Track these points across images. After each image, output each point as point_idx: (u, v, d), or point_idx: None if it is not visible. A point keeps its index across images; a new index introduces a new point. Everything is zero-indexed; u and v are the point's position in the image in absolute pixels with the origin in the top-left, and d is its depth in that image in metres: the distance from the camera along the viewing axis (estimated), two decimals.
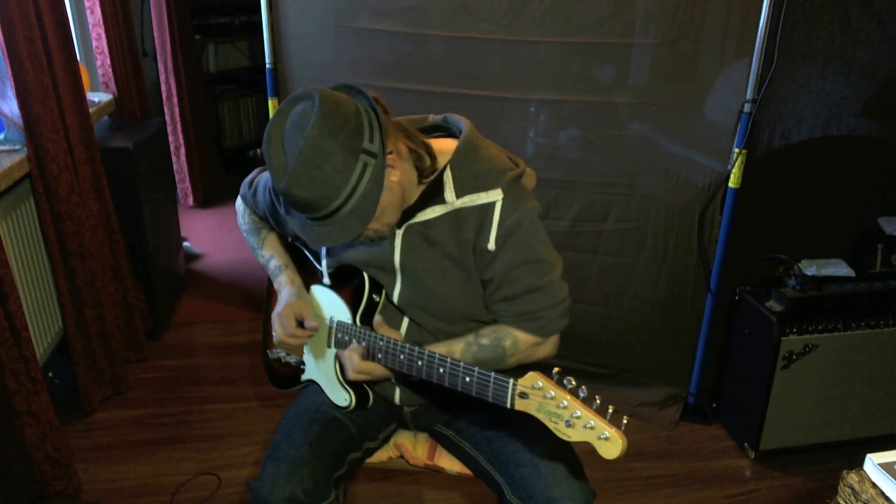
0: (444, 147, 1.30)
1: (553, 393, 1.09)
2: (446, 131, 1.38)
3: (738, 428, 2.36)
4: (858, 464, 1.37)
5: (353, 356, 1.32)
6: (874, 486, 1.32)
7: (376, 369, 1.33)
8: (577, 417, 1.07)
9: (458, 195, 1.27)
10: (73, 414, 2.36)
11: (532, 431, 1.36)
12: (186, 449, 2.26)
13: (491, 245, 1.27)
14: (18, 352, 1.82)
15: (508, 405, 1.14)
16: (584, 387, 1.08)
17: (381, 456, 1.54)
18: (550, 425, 1.10)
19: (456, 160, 1.27)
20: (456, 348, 1.33)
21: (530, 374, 1.12)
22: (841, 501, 1.38)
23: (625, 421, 1.06)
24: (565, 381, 1.09)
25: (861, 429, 2.27)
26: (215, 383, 2.61)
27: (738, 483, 2.20)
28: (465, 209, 1.27)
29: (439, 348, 1.32)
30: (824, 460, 2.26)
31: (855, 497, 1.34)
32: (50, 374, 2.31)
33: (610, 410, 1.07)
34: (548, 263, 1.31)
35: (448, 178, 1.27)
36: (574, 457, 1.34)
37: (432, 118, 1.41)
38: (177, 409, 2.45)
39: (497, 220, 1.26)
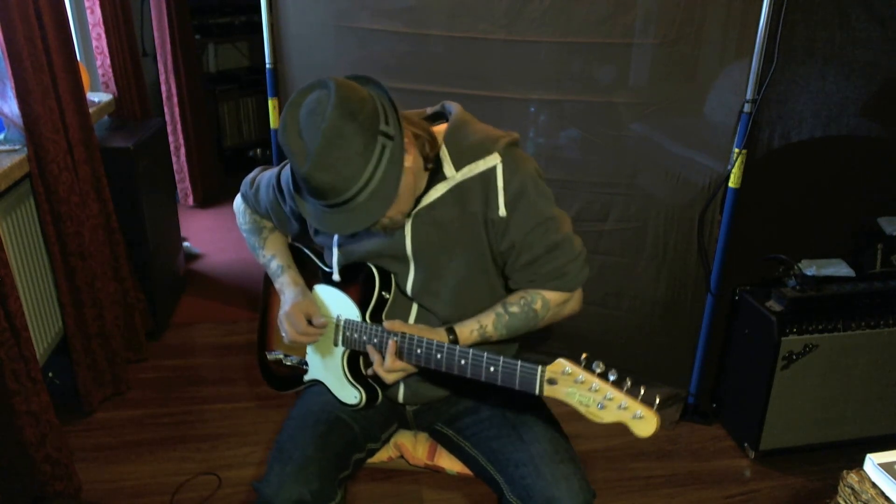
0: (442, 131, 1.33)
1: (583, 377, 1.12)
2: (442, 118, 1.40)
3: (738, 428, 2.36)
4: (858, 464, 1.37)
5: (388, 356, 1.31)
6: (874, 486, 1.32)
7: (408, 367, 1.33)
8: (610, 399, 1.10)
9: (457, 167, 1.29)
10: (73, 414, 2.36)
11: (533, 432, 1.36)
12: (186, 449, 2.25)
13: (502, 212, 1.28)
14: (18, 352, 1.82)
15: (537, 392, 1.17)
16: (613, 370, 1.12)
17: (382, 456, 1.54)
18: (581, 409, 1.13)
19: (449, 135, 1.30)
20: (486, 321, 1.34)
21: (558, 360, 1.15)
22: (841, 501, 1.38)
23: (657, 400, 1.11)
24: (594, 366, 1.13)
25: (861, 429, 2.27)
26: (215, 383, 2.61)
27: (738, 483, 2.20)
28: (467, 181, 1.29)
29: (469, 324, 1.33)
30: (824, 460, 2.26)
31: (855, 497, 1.34)
32: (50, 374, 2.31)
33: (642, 391, 1.11)
34: (558, 219, 1.33)
35: (444, 154, 1.29)
36: (574, 457, 1.35)
37: (431, 109, 1.43)
38: (177, 409, 2.45)
39: (501, 185, 1.28)
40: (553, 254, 1.32)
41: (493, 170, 1.27)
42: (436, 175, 1.30)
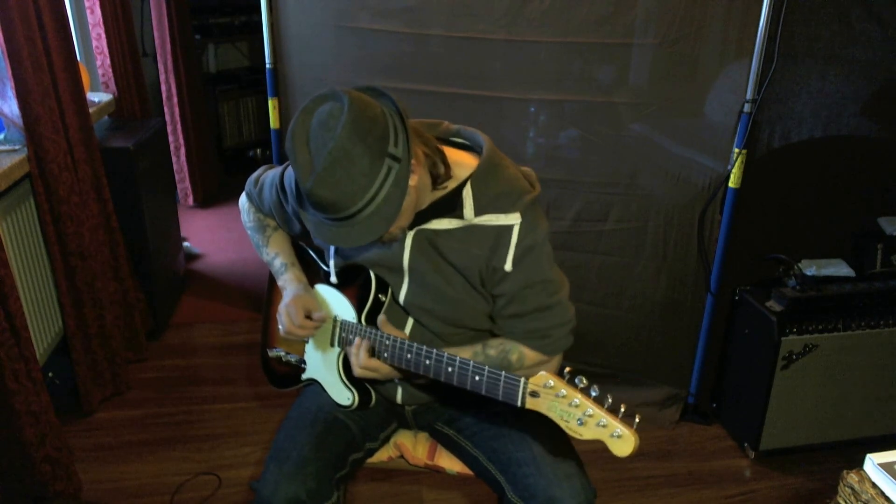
0: (460, 159, 1.31)
1: (564, 391, 1.10)
2: (460, 145, 1.38)
3: (738, 428, 2.36)
4: (858, 464, 1.37)
5: (359, 352, 1.32)
6: (874, 486, 1.32)
7: (382, 367, 1.33)
8: (590, 416, 1.08)
9: (477, 213, 1.28)
10: (73, 414, 2.36)
11: (533, 430, 1.37)
12: (186, 449, 2.26)
13: (508, 266, 1.28)
14: (18, 352, 1.82)
15: (519, 404, 1.16)
16: (595, 386, 1.10)
17: (382, 456, 1.54)
18: (562, 424, 1.12)
19: (477, 178, 1.28)
20: (464, 355, 1.33)
21: (541, 373, 1.13)
22: (841, 501, 1.38)
23: (637, 419, 1.08)
24: (577, 380, 1.11)
25: (861, 429, 2.27)
26: (215, 383, 2.61)
27: (738, 483, 2.20)
28: (481, 227, 1.28)
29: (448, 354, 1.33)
30: (824, 460, 2.26)
31: (855, 497, 1.34)
32: (50, 374, 2.31)
33: (622, 409, 1.09)
34: (556, 283, 1.33)
35: (468, 195, 1.27)
36: (575, 456, 1.35)
37: (446, 126, 1.41)
38: (177, 409, 2.45)
39: (515, 242, 1.28)
40: (541, 314, 1.32)
41: (510, 227, 1.27)
42: (452, 208, 1.29)
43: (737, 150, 2.11)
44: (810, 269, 2.25)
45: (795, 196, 2.25)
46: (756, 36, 1.99)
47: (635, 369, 2.46)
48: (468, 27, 2.15)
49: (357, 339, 1.33)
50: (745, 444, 2.30)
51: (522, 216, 1.27)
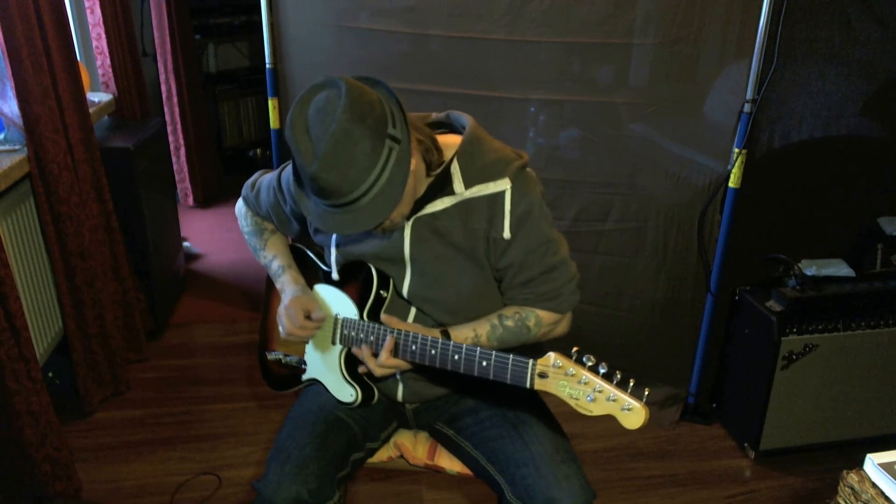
0: (449, 141, 1.33)
1: (573, 370, 1.13)
2: (449, 128, 1.40)
3: (738, 428, 2.36)
4: (858, 464, 1.37)
5: (383, 351, 1.31)
6: (874, 486, 1.32)
7: (400, 363, 1.34)
8: (599, 392, 1.11)
9: (467, 186, 1.29)
10: (73, 414, 2.36)
11: (533, 432, 1.37)
12: (186, 449, 2.26)
13: (506, 234, 1.30)
14: (18, 352, 1.82)
15: (528, 385, 1.18)
16: (603, 363, 1.12)
17: (382, 456, 1.54)
18: (571, 402, 1.14)
19: (462, 152, 1.30)
20: (482, 330, 1.35)
21: (549, 354, 1.15)
22: (841, 501, 1.38)
23: (646, 392, 1.12)
24: (584, 359, 1.13)
25: (861, 429, 2.27)
26: (215, 383, 2.61)
27: (738, 483, 2.20)
28: (474, 199, 1.30)
29: (464, 331, 1.34)
30: (824, 460, 2.26)
31: (855, 497, 1.34)
32: (50, 374, 2.31)
33: (631, 384, 1.11)
34: (557, 242, 1.36)
35: (455, 169, 1.29)
36: (574, 457, 1.35)
37: (435, 115, 1.43)
38: (177, 409, 2.45)
39: (509, 208, 1.29)
40: (550, 275, 1.35)
41: (502, 193, 1.29)
42: (443, 187, 1.30)
43: (737, 150, 2.11)
44: (810, 269, 2.25)
45: (795, 196, 2.25)
46: (756, 36, 1.99)
47: (635, 369, 2.44)
48: (468, 27, 2.15)
49: (389, 339, 1.31)
50: (745, 444, 2.30)
51: (512, 181, 1.29)
